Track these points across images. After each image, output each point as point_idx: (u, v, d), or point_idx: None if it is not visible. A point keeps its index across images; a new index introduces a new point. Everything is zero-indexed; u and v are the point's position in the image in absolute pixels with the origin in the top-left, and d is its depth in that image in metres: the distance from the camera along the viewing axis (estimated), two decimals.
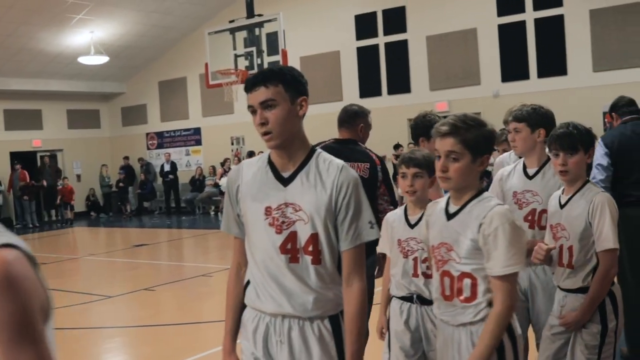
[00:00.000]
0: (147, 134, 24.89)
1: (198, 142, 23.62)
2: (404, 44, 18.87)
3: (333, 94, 19.92)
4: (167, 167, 23.08)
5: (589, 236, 3.51)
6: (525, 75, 17.08)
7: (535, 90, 16.60)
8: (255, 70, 14.31)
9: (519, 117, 4.15)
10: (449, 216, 2.88)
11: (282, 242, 2.69)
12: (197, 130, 23.49)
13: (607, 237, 3.44)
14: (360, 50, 19.59)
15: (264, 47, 14.43)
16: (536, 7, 16.92)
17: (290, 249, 2.69)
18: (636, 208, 5.26)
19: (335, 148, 4.69)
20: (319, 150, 2.80)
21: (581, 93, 15.96)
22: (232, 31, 14.69)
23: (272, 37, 14.44)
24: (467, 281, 2.80)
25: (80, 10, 18.84)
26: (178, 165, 23.47)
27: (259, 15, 14.36)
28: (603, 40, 16.12)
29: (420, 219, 3.53)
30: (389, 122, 18.80)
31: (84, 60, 20.85)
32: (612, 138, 5.44)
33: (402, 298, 3.64)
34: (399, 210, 3.80)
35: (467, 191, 2.84)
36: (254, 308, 2.79)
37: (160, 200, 23.84)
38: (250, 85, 2.70)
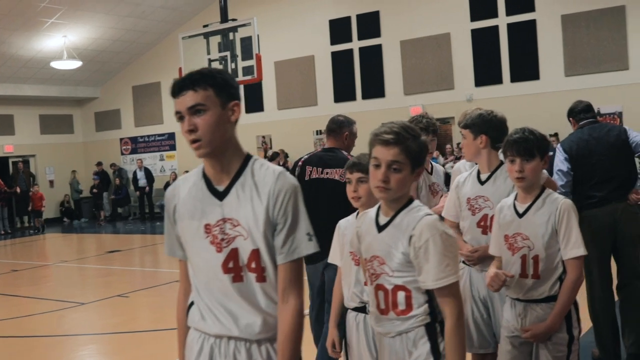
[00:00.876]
0: (121, 139, 24.73)
1: (172, 148, 23.52)
2: (378, 48, 18.94)
3: (308, 99, 19.95)
4: (139, 175, 22.95)
5: (554, 244, 3.43)
6: (498, 80, 17.22)
7: (508, 94, 16.75)
8: None
9: (464, 124, 4.18)
10: (380, 228, 2.78)
11: (224, 260, 2.49)
12: (172, 136, 23.38)
13: (575, 244, 3.39)
14: (334, 55, 19.63)
15: (238, 51, 14.37)
16: (509, 12, 17.07)
17: (232, 268, 2.49)
18: (599, 208, 5.39)
19: (318, 155, 5.34)
20: (254, 157, 2.59)
21: (553, 97, 16.11)
22: (206, 36, 14.62)
23: (247, 42, 14.39)
24: (401, 294, 2.71)
25: (52, 14, 18.69)
26: (152, 171, 23.35)
27: (233, 19, 14.31)
28: (575, 45, 16.29)
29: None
30: (364, 126, 18.67)
31: (56, 64, 20.68)
32: (570, 143, 5.53)
33: (355, 309, 3.50)
34: (351, 218, 3.71)
35: (399, 201, 2.74)
36: (198, 329, 2.59)
37: (135, 206, 23.71)
38: (177, 89, 2.48)
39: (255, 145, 21.18)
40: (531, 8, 16.84)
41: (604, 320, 5.45)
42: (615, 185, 5.41)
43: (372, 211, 2.89)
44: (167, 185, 22.48)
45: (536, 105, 16.32)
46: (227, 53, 14.24)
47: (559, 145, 5.62)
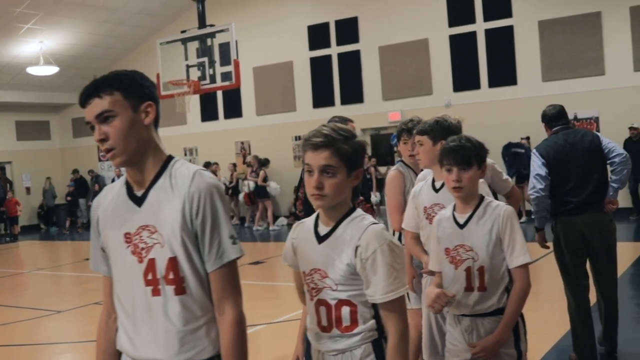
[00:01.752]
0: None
1: None
2: (356, 54, 18.97)
3: (286, 105, 19.93)
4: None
5: (499, 253, 3.29)
6: (476, 85, 17.30)
7: (486, 99, 16.83)
8: (208, 81, 14.24)
9: (421, 131, 4.19)
10: (320, 239, 2.58)
11: (144, 272, 2.30)
12: None
13: (521, 252, 3.26)
14: (313, 60, 19.63)
15: (217, 57, 14.32)
16: (486, 18, 17.17)
17: (151, 280, 2.29)
18: (576, 214, 5.45)
19: None
20: (175, 159, 2.42)
21: (530, 102, 16.17)
22: (184, 41, 14.56)
23: (225, 48, 14.36)
24: (345, 309, 2.51)
25: (29, 19, 18.53)
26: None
27: (211, 25, 14.27)
28: (552, 50, 16.40)
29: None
30: None
31: (33, 70, 20.49)
32: (547, 148, 5.57)
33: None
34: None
35: (339, 210, 2.56)
36: (128, 355, 2.39)
37: None
38: (84, 98, 2.33)
39: (234, 151, 21.11)
40: (508, 14, 16.95)
41: (581, 324, 5.48)
42: (590, 190, 5.46)
43: (310, 221, 2.69)
44: None
45: (514, 110, 16.41)
46: (205, 59, 14.20)
47: (534, 150, 5.66)
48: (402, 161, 4.84)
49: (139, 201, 2.34)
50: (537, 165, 5.49)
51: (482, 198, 3.42)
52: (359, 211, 2.58)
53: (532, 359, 5.56)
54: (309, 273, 2.59)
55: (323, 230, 2.59)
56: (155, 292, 2.29)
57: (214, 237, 2.28)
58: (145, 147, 2.36)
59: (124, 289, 2.37)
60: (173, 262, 2.27)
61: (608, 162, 5.54)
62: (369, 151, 18.58)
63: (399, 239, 4.59)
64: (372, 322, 2.53)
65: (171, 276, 2.27)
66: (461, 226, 3.38)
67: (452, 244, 3.40)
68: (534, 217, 5.56)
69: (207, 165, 19.43)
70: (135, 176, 2.37)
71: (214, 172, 18.90)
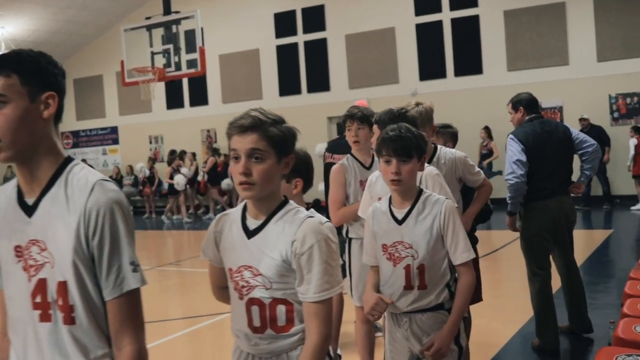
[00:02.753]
0: (62, 133, 24.25)
1: (115, 142, 23.16)
2: (323, 42, 18.93)
3: (252, 93, 19.85)
4: None
5: (440, 250, 3.17)
6: (442, 74, 17.37)
7: (452, 89, 16.91)
8: (173, 69, 14.12)
9: (375, 120, 4.12)
10: (250, 233, 2.37)
11: (32, 292, 2.00)
12: (114, 129, 23.03)
13: (465, 248, 3.15)
14: (279, 48, 19.55)
15: (182, 44, 14.21)
16: (452, 7, 17.22)
17: (40, 303, 2.00)
18: (551, 200, 5.59)
19: (335, 141, 6.05)
20: (74, 162, 2.07)
21: (496, 91, 16.32)
22: (149, 28, 14.41)
23: (190, 35, 14.25)
24: (281, 308, 2.32)
25: None
26: (95, 165, 22.98)
27: (176, 12, 14.14)
28: (516, 40, 16.53)
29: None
30: (309, 120, 18.84)
31: None
32: (525, 135, 5.62)
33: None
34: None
35: (270, 201, 2.35)
36: None
37: None
38: None
39: (200, 139, 20.98)
40: (474, 3, 17.02)
41: (544, 309, 5.58)
42: (562, 178, 5.70)
43: (236, 213, 2.46)
44: (110, 179, 22.12)
45: (479, 99, 16.52)
46: (170, 46, 14.08)
47: (511, 136, 5.67)
48: (351, 153, 4.73)
49: (29, 211, 2.02)
50: (516, 151, 5.54)
51: (420, 191, 3.27)
52: (292, 203, 2.39)
53: (496, 346, 5.64)
54: (238, 270, 2.37)
55: (253, 224, 2.37)
56: (44, 318, 2.00)
57: (113, 262, 1.97)
58: (39, 145, 2.00)
59: (15, 308, 2.07)
60: (62, 287, 1.96)
61: (580, 152, 5.77)
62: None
63: (339, 232, 4.57)
64: None
65: (61, 302, 1.98)
66: (399, 222, 3.22)
67: (389, 240, 3.23)
68: (510, 202, 5.58)
69: (172, 153, 19.26)
70: (25, 178, 2.03)
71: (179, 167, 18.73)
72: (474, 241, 4.75)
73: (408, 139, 3.15)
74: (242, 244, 2.37)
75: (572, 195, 5.87)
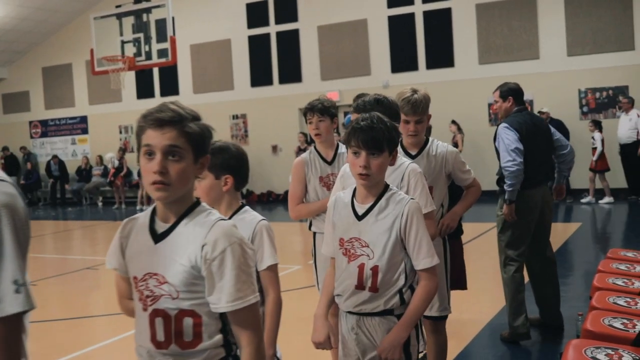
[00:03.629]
0: (31, 122, 23.93)
1: (84, 131, 22.90)
2: (295, 33, 18.86)
3: (224, 83, 19.74)
4: (53, 168, 22.37)
5: (398, 253, 2.94)
6: (414, 67, 17.39)
7: (423, 81, 16.93)
8: (143, 58, 13.99)
9: (354, 108, 4.01)
10: (157, 237, 2.18)
11: None
12: (84, 119, 22.77)
13: (429, 253, 2.94)
14: (251, 39, 19.44)
15: (153, 33, 14.08)
16: (425, 0, 17.24)
17: None
18: (536, 189, 5.73)
19: None
20: None
21: (467, 85, 16.42)
22: (119, 16, 14.28)
23: (161, 24, 14.11)
24: (187, 321, 2.12)
25: None
26: (64, 155, 22.76)
27: (147, 0, 14.00)
28: (488, 34, 16.60)
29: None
30: (280, 111, 18.88)
31: None
32: (519, 125, 5.68)
33: None
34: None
35: (182, 203, 2.17)
36: None
37: (45, 191, 23.02)
38: None
39: None
40: None
41: (518, 298, 5.63)
42: (546, 169, 5.99)
43: (144, 217, 2.26)
44: (79, 169, 21.95)
45: (451, 92, 16.56)
46: (141, 35, 13.98)
47: (506, 125, 5.68)
48: (315, 146, 4.62)
49: None
50: (513, 139, 5.57)
51: (386, 187, 3.03)
52: (204, 205, 2.22)
53: (465, 339, 5.67)
54: (143, 278, 2.17)
55: (161, 227, 2.18)
56: None
57: None
58: None
59: None
60: None
61: (558, 153, 5.93)
62: (307, 131, 18.56)
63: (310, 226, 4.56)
64: (219, 337, 2.16)
65: None
66: (359, 217, 3.00)
67: (347, 235, 3.01)
68: (509, 189, 5.56)
69: None
70: None
71: None
72: (459, 232, 4.75)
73: (380, 131, 2.91)
74: (148, 250, 2.17)
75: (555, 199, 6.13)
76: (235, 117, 19.66)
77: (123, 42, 14.18)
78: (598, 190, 14.79)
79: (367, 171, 2.90)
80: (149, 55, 14.02)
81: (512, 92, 5.88)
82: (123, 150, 20.85)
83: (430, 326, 4.30)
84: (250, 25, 19.41)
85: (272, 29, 19.17)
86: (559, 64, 15.93)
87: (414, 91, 4.25)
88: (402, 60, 17.52)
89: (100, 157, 21.60)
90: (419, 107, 4.19)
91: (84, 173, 21.90)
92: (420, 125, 4.22)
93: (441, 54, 17.11)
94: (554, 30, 15.96)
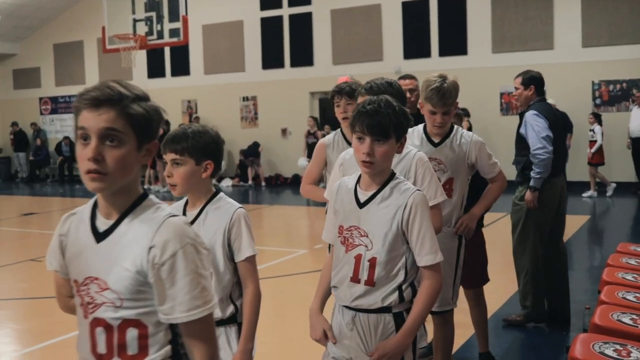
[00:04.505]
0: (41, 99, 23.93)
1: None
2: (308, 16, 18.74)
3: (235, 64, 19.67)
4: (64, 149, 22.35)
5: (399, 246, 2.74)
6: (427, 53, 17.27)
7: (436, 68, 16.65)
8: (155, 37, 13.93)
9: (366, 90, 3.96)
10: (99, 236, 1.90)
11: None
12: None
13: (432, 249, 2.72)
14: (264, 21, 19.34)
15: (165, 12, 14.02)
16: None
17: None
18: (558, 177, 5.76)
19: None
20: None
21: (480, 73, 16.28)
22: None
23: (174, 3, 14.03)
24: (132, 332, 1.86)
25: None
26: (72, 132, 22.75)
27: None
28: (503, 22, 16.45)
29: (196, 219, 2.91)
30: (291, 94, 18.79)
31: None
32: (547, 113, 5.68)
33: None
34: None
35: (125, 196, 1.88)
36: None
37: (54, 167, 23.04)
38: None
39: (181, 110, 20.78)
40: None
41: (539, 275, 5.72)
42: (565, 158, 6.11)
43: (84, 211, 1.99)
44: None
45: (463, 80, 16.19)
46: (153, 13, 13.91)
47: (535, 112, 5.62)
48: (341, 130, 4.50)
49: None
50: (543, 127, 5.54)
51: (392, 175, 2.82)
52: (152, 199, 1.93)
53: (470, 329, 5.60)
54: (84, 283, 1.91)
55: (103, 224, 1.90)
56: None
57: None
58: None
59: None
60: None
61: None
62: (317, 115, 18.49)
63: None
64: (168, 348, 1.90)
65: None
66: (360, 205, 2.80)
67: (347, 222, 2.82)
68: (538, 177, 5.54)
69: (167, 123, 19.04)
70: None
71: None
72: (479, 223, 4.70)
73: (386, 116, 2.69)
74: (90, 250, 1.90)
75: None
76: (245, 99, 19.59)
77: (135, 21, 14.12)
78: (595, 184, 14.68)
79: (370, 158, 2.70)
80: (160, 35, 13.97)
81: (534, 81, 5.82)
82: None
83: (436, 319, 4.25)
84: (263, 7, 19.30)
85: (285, 11, 19.06)
86: (574, 55, 15.77)
87: (443, 79, 4.05)
88: (415, 47, 17.40)
89: None
90: (449, 97, 4.02)
91: None
92: (447, 116, 4.07)
93: (454, 42, 16.97)
94: (569, 21, 15.80)
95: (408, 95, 4.99)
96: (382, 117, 2.69)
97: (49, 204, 16.98)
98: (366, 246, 2.75)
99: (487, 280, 5.02)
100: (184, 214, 2.90)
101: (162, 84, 21.02)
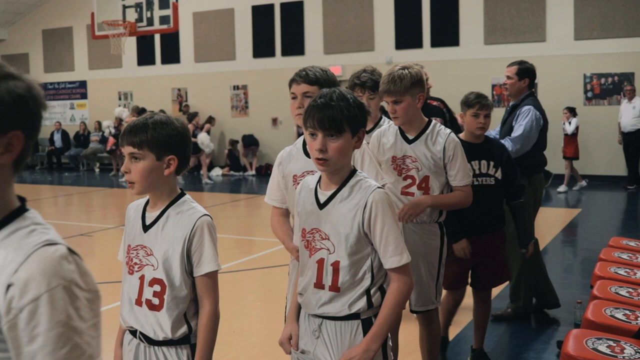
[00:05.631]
0: None
1: (83, 96, 22.71)
2: (299, 5, 18.63)
3: (226, 53, 19.55)
4: (56, 137, 22.17)
5: (363, 248, 2.57)
6: (419, 44, 17.20)
7: (427, 59, 16.75)
8: (145, 23, 13.81)
9: (349, 86, 3.86)
10: None
11: None
12: (83, 84, 22.57)
13: (396, 250, 2.54)
14: (255, 9, 19.21)
15: None
16: None
17: None
18: (541, 172, 5.82)
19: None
20: None
21: (472, 64, 16.24)
22: None
23: None
24: None
25: None
26: (62, 120, 22.59)
27: None
28: (495, 14, 16.40)
29: (155, 222, 2.62)
30: (282, 83, 18.56)
31: None
32: (540, 109, 5.66)
33: (130, 330, 2.66)
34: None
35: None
36: None
37: (42, 155, 22.88)
38: None
39: (171, 98, 20.66)
40: None
41: (533, 271, 5.72)
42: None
43: None
44: (77, 135, 21.80)
45: (455, 71, 16.40)
46: (143, 0, 13.76)
47: (530, 107, 5.58)
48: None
49: None
50: (536, 130, 5.56)
51: (352, 172, 2.64)
52: (31, 216, 1.45)
53: (460, 324, 5.58)
54: None
55: None
56: None
57: None
58: None
59: None
60: None
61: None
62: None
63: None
64: None
65: None
66: (321, 206, 2.63)
67: (309, 225, 2.66)
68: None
69: (142, 111, 18.85)
70: None
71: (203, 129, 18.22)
72: (501, 223, 4.66)
73: (338, 109, 2.50)
74: None
75: None
76: (236, 87, 19.49)
77: (125, 7, 14.00)
78: (575, 177, 14.68)
79: (324, 155, 2.51)
80: (150, 21, 13.85)
81: (529, 73, 5.78)
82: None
83: (420, 318, 4.12)
84: None
85: (277, 0, 18.95)
86: (566, 47, 15.74)
87: (402, 68, 3.77)
88: (407, 37, 17.33)
89: (99, 123, 21.44)
90: (398, 85, 3.70)
91: (82, 139, 21.75)
92: (398, 106, 3.73)
93: (446, 33, 16.91)
94: (561, 13, 15.76)
95: None
96: (333, 110, 2.50)
97: (37, 192, 16.83)
98: (328, 250, 2.60)
99: (509, 278, 5.03)
100: (144, 215, 2.62)
101: (152, 71, 20.89)
